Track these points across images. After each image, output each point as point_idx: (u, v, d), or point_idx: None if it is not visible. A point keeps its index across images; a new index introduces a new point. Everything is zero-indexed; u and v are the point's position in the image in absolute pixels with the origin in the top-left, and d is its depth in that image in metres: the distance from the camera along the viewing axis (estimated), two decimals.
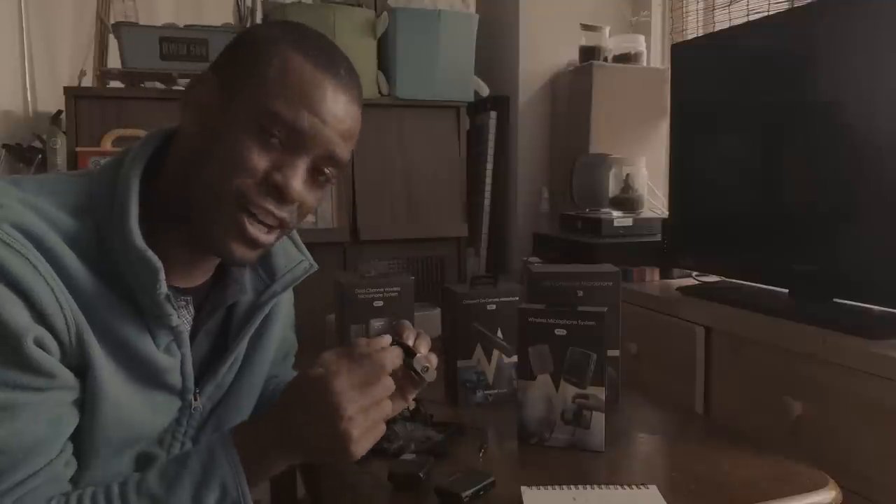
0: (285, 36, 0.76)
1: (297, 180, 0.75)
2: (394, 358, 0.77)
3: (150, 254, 0.72)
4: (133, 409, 0.75)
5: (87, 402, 0.71)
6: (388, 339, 0.80)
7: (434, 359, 0.85)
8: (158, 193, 0.77)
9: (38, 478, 0.67)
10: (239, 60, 0.76)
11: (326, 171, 0.78)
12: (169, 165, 0.78)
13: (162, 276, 0.72)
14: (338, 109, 0.75)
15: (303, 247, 0.93)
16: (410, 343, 0.85)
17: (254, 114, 0.73)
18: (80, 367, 0.70)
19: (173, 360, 0.78)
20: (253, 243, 0.76)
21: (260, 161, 0.73)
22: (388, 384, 0.75)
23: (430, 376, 0.84)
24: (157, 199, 0.77)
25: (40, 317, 0.66)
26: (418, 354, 0.84)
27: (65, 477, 0.71)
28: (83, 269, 0.70)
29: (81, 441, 0.72)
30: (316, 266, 0.92)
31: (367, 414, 0.72)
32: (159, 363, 0.76)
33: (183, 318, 0.79)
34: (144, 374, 0.75)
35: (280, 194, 0.74)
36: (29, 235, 0.67)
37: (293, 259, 0.91)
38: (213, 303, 0.84)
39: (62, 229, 0.70)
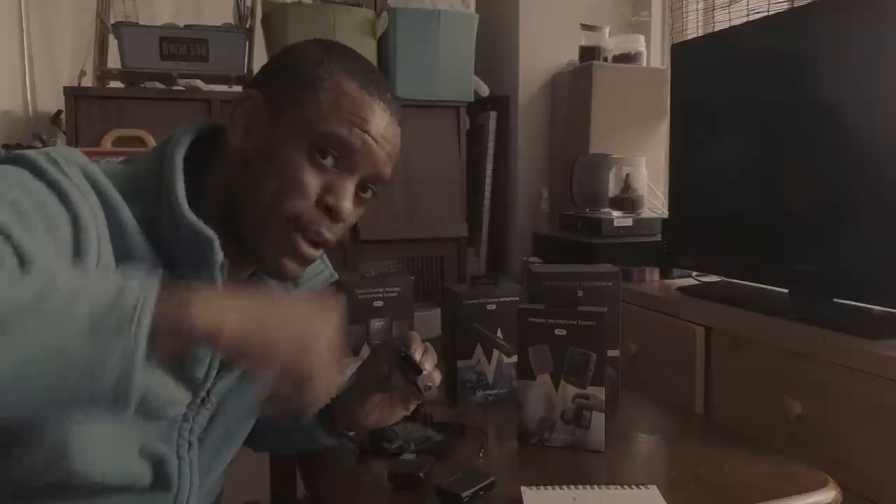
0: (331, 57, 0.78)
1: (348, 201, 0.78)
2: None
3: (203, 225, 0.72)
4: (151, 384, 0.73)
5: None
6: None
7: (437, 377, 0.85)
8: (203, 198, 0.77)
9: None
10: (287, 80, 0.78)
11: (370, 188, 0.81)
12: (214, 175, 0.79)
13: (217, 245, 0.72)
14: (386, 130, 0.79)
15: (324, 255, 0.93)
16: (417, 357, 0.85)
17: (308, 134, 0.75)
18: None
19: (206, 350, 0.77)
20: (304, 259, 0.78)
21: (313, 182, 0.75)
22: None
23: (431, 395, 0.84)
24: (200, 194, 0.77)
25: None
26: (424, 372, 0.84)
27: None
28: (139, 234, 0.71)
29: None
30: (336, 276, 0.93)
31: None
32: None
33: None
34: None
35: (332, 215, 0.77)
36: (88, 179, 0.69)
37: (315, 268, 0.91)
38: None
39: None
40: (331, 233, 0.78)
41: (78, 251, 0.66)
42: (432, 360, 0.87)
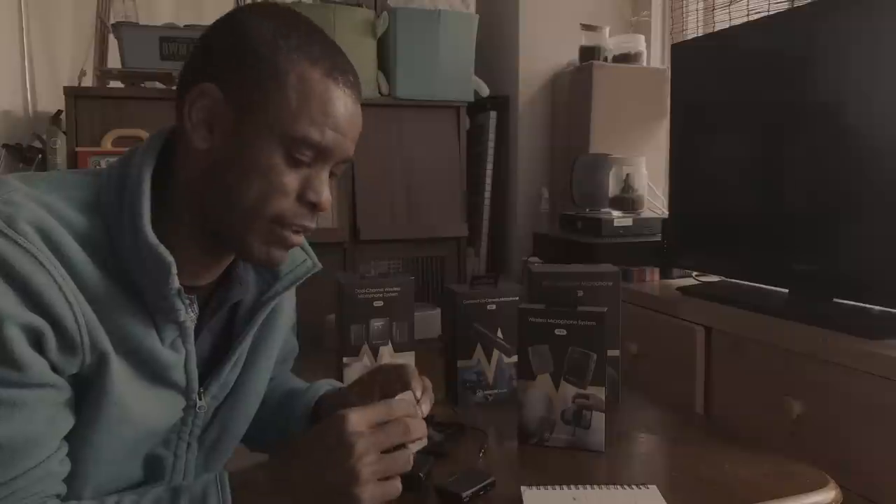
0: (289, 39, 0.75)
1: (327, 192, 0.78)
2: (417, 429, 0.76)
3: (163, 249, 0.72)
4: (138, 405, 0.75)
5: (95, 398, 0.71)
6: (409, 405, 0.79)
7: (427, 407, 0.86)
8: (168, 195, 0.77)
9: (30, 476, 0.67)
10: (246, 71, 0.74)
11: (339, 167, 0.81)
12: (180, 172, 0.78)
13: (174, 270, 0.72)
14: (352, 117, 0.78)
15: (307, 246, 0.93)
16: (418, 395, 0.85)
17: (280, 136, 0.74)
18: (95, 363, 0.70)
19: (178, 357, 0.78)
20: (290, 245, 0.80)
21: (292, 182, 0.76)
22: (407, 456, 0.74)
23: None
24: (166, 199, 0.77)
25: (49, 316, 0.66)
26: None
27: (58, 475, 0.70)
28: (92, 266, 0.70)
29: (89, 441, 0.72)
30: (319, 266, 0.92)
31: (379, 482, 0.72)
32: (164, 359, 0.76)
33: (188, 316, 0.79)
34: (149, 370, 0.75)
35: (314, 209, 0.78)
36: (40, 233, 0.67)
37: (296, 259, 0.91)
38: (217, 301, 0.84)
39: (72, 226, 0.70)
40: (313, 222, 0.79)
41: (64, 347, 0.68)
42: (429, 402, 0.87)
